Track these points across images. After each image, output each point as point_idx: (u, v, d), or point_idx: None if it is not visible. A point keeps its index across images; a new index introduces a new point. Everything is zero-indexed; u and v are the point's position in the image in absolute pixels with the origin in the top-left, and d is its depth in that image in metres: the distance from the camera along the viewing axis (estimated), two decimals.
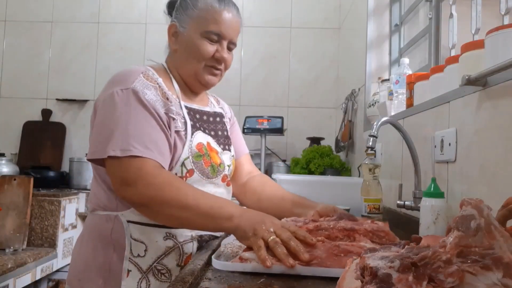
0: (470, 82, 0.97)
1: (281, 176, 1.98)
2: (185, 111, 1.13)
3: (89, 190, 2.16)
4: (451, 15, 1.47)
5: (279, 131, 2.95)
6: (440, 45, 1.77)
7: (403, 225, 1.43)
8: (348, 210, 1.50)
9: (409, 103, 1.52)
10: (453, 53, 1.44)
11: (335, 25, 3.41)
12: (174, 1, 1.21)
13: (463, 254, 0.47)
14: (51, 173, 3.03)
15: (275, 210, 1.22)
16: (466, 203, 0.52)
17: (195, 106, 1.20)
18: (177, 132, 1.08)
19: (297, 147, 3.30)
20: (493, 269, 0.45)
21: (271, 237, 0.86)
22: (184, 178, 1.08)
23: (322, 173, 2.66)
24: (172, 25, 1.17)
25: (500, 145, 0.93)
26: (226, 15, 1.14)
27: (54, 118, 3.42)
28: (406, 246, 0.55)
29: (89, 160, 1.05)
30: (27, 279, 2.33)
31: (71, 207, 2.69)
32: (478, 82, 0.97)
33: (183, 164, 1.08)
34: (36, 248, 2.48)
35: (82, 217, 2.77)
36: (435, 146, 1.24)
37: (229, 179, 1.23)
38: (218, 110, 1.30)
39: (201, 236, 1.10)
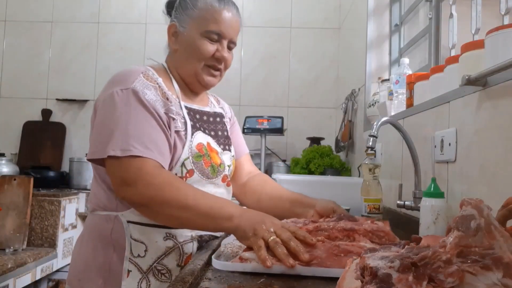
0: (470, 82, 0.97)
1: (281, 176, 1.98)
2: (185, 111, 1.13)
3: (89, 190, 2.16)
4: (451, 15, 1.47)
5: (279, 131, 2.95)
6: (440, 45, 1.77)
7: (403, 225, 1.43)
8: (348, 210, 1.50)
9: (409, 103, 1.52)
10: (453, 53, 1.44)
11: (335, 25, 3.41)
12: (173, 1, 1.21)
13: (463, 254, 0.47)
14: (51, 173, 3.03)
15: (275, 210, 1.22)
16: (466, 203, 0.52)
17: (195, 106, 1.20)
18: (177, 132, 1.08)
19: (297, 147, 3.30)
20: (493, 269, 0.45)
21: (271, 237, 0.86)
22: (184, 179, 1.08)
23: (322, 173, 2.66)
24: (172, 25, 1.17)
25: (500, 145, 0.93)
26: (226, 14, 1.14)
27: (54, 118, 3.42)
28: (406, 246, 0.55)
29: (89, 160, 1.05)
30: (27, 279, 2.33)
31: (71, 207, 2.69)
32: (478, 82, 0.97)
33: (183, 164, 1.08)
34: (36, 248, 2.48)
35: (82, 217, 2.77)
36: (435, 146, 1.24)
37: (229, 179, 1.23)
38: (218, 110, 1.30)
39: (201, 236, 1.10)
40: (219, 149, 1.19)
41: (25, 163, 3.16)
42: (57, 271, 2.61)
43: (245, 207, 1.17)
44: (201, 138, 1.13)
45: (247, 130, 2.92)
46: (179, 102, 1.14)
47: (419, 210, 1.11)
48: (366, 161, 1.46)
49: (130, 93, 1.03)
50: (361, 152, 2.31)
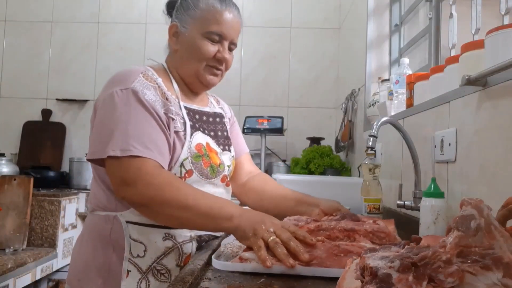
0: (470, 82, 0.97)
1: (281, 176, 1.98)
2: (184, 111, 1.13)
3: (89, 190, 2.16)
4: (451, 15, 1.47)
5: (279, 131, 2.95)
6: (440, 45, 1.77)
7: (403, 225, 1.43)
8: (348, 210, 1.50)
9: (409, 103, 1.52)
10: (453, 53, 1.44)
11: (335, 25, 3.41)
12: (174, 1, 1.21)
13: (463, 254, 0.47)
14: (51, 173, 3.03)
15: (278, 209, 1.22)
16: (466, 203, 0.52)
17: (194, 106, 1.20)
18: (176, 132, 1.08)
19: (297, 147, 3.30)
20: (493, 269, 0.45)
21: (271, 237, 0.86)
22: (183, 179, 1.08)
23: (322, 173, 2.66)
24: (173, 25, 1.17)
25: (500, 145, 0.93)
26: (227, 15, 1.14)
27: (54, 118, 3.42)
28: (406, 246, 0.55)
29: (88, 160, 1.05)
30: (27, 279, 2.33)
31: (71, 207, 2.69)
32: (478, 82, 0.97)
33: (182, 164, 1.08)
34: (36, 248, 2.48)
35: (82, 217, 2.77)
36: (435, 146, 1.24)
37: (228, 179, 1.23)
38: (218, 110, 1.30)
39: (200, 236, 1.10)
40: (218, 150, 1.18)
41: (25, 163, 3.16)
42: (57, 271, 2.61)
43: (245, 207, 1.17)
44: (200, 138, 1.13)
45: (247, 130, 2.92)
46: (179, 102, 1.14)
47: (419, 210, 1.11)
48: (366, 161, 1.46)
49: (129, 93, 1.03)
50: (361, 152, 2.31)
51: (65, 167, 3.25)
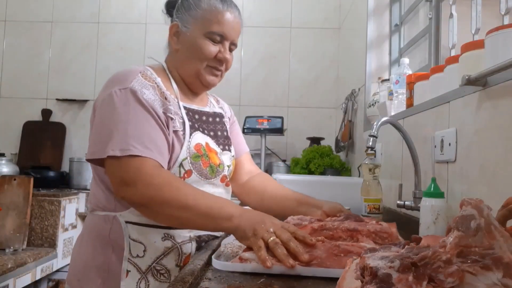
0: (470, 82, 0.97)
1: (281, 176, 1.98)
2: (183, 111, 1.13)
3: (89, 190, 2.16)
4: (451, 15, 1.47)
5: (279, 131, 2.95)
6: (440, 45, 1.77)
7: (403, 225, 1.43)
8: (348, 210, 1.50)
9: (409, 103, 1.52)
10: (453, 53, 1.44)
11: (335, 25, 3.41)
12: (174, 0, 1.21)
13: (463, 254, 0.47)
14: (51, 173, 3.03)
15: (280, 210, 1.22)
16: (466, 203, 0.52)
17: (194, 106, 1.20)
18: (175, 132, 1.08)
19: (297, 147, 3.30)
20: (493, 269, 0.45)
21: (271, 238, 0.85)
22: (182, 179, 1.08)
23: (322, 173, 2.66)
24: (174, 25, 1.17)
25: (500, 145, 0.93)
26: (228, 16, 1.15)
27: (54, 118, 3.42)
28: (406, 246, 0.55)
29: (88, 160, 1.05)
30: (27, 279, 2.33)
31: (71, 207, 2.69)
32: (478, 82, 0.97)
33: (181, 164, 1.08)
34: (36, 248, 2.48)
35: (82, 217, 2.77)
36: (435, 146, 1.24)
37: (228, 179, 1.22)
38: (217, 110, 1.30)
39: (199, 237, 1.10)
40: (218, 149, 1.18)
41: (25, 163, 3.16)
42: (57, 271, 2.61)
43: (245, 207, 1.17)
44: (199, 138, 1.13)
45: (247, 130, 2.92)
46: (178, 102, 1.14)
47: (419, 210, 1.11)
48: (366, 161, 1.47)
49: (128, 93, 1.03)
50: (361, 152, 2.31)
51: (65, 167, 3.25)
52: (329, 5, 3.41)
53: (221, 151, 1.20)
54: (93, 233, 1.10)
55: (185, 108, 1.15)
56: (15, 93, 3.45)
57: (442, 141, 1.20)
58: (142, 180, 0.95)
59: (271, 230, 0.88)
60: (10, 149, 3.29)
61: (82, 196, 2.82)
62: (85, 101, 3.43)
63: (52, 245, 2.52)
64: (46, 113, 3.40)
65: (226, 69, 1.20)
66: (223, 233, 1.14)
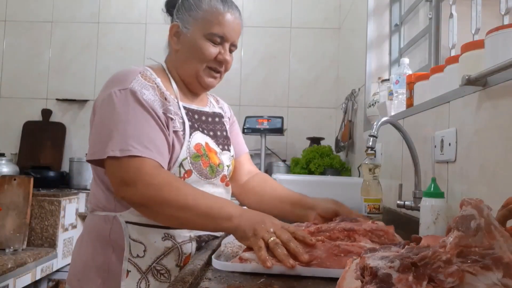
0: (470, 82, 0.97)
1: (281, 176, 1.98)
2: (183, 111, 1.13)
3: (89, 190, 2.16)
4: (451, 15, 1.47)
5: (279, 131, 2.95)
6: (440, 45, 1.77)
7: (403, 225, 1.43)
8: None
9: (409, 103, 1.52)
10: (453, 53, 1.44)
11: (335, 25, 3.41)
12: (175, 0, 1.20)
13: (463, 254, 0.47)
14: (51, 173, 3.03)
15: (276, 212, 1.22)
16: (466, 203, 0.52)
17: (193, 106, 1.20)
18: (175, 132, 1.08)
19: (297, 147, 3.30)
20: (493, 269, 0.45)
21: (272, 238, 0.86)
22: (182, 179, 1.08)
23: (322, 173, 2.66)
24: (174, 25, 1.17)
25: (500, 145, 0.93)
26: (229, 17, 1.14)
27: (54, 118, 3.42)
28: (406, 246, 0.55)
29: (88, 161, 1.05)
30: (27, 279, 2.33)
31: (71, 207, 2.69)
32: (478, 82, 0.97)
33: (181, 164, 1.08)
34: (36, 248, 2.48)
35: (82, 217, 2.77)
36: (435, 146, 1.24)
37: (228, 179, 1.23)
38: (217, 110, 1.30)
39: (199, 237, 1.10)
40: (218, 149, 1.18)
41: (25, 163, 3.16)
42: (57, 271, 2.61)
43: (245, 207, 1.17)
44: (199, 138, 1.13)
45: (247, 130, 2.92)
46: (178, 102, 1.14)
47: (419, 210, 1.11)
48: (366, 161, 1.47)
49: (128, 93, 1.03)
50: (361, 152, 2.31)
51: (65, 167, 3.25)
52: (329, 5, 3.41)
53: (221, 151, 1.20)
54: (93, 233, 1.10)
55: (184, 108, 1.15)
56: (15, 93, 3.45)
57: (442, 141, 1.20)
58: (142, 180, 0.95)
59: (271, 230, 0.88)
60: (10, 149, 3.29)
61: (82, 196, 2.82)
62: (85, 101, 3.43)
63: (52, 245, 2.52)
64: (46, 113, 3.40)
65: (226, 70, 1.20)
66: (223, 233, 1.14)
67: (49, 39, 3.48)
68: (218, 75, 1.19)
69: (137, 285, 1.04)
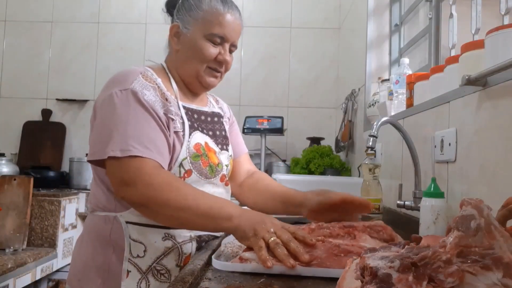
0: (470, 82, 0.97)
1: (281, 176, 1.98)
2: (183, 111, 1.13)
3: (89, 190, 2.16)
4: (451, 15, 1.47)
5: (279, 131, 2.95)
6: (440, 45, 1.77)
7: (403, 225, 1.43)
8: None
9: (409, 103, 1.52)
10: (453, 53, 1.44)
11: (335, 25, 3.41)
12: (175, 0, 1.20)
13: (463, 254, 0.47)
14: (51, 173, 3.03)
15: (271, 211, 1.21)
16: (466, 203, 0.52)
17: (193, 106, 1.20)
18: (175, 132, 1.08)
19: (297, 147, 3.30)
20: (493, 269, 0.45)
21: (272, 238, 0.86)
22: (182, 179, 1.08)
23: (322, 173, 2.66)
24: (174, 25, 1.17)
25: (500, 145, 0.93)
26: (229, 17, 1.14)
27: (54, 118, 3.42)
28: (406, 246, 0.55)
29: (89, 161, 1.05)
30: (27, 279, 2.33)
31: (71, 207, 2.69)
32: (478, 82, 0.97)
33: (181, 164, 1.08)
34: (36, 248, 2.48)
35: (82, 217, 2.77)
36: (435, 146, 1.24)
37: (227, 179, 1.23)
38: (216, 110, 1.30)
39: (199, 237, 1.10)
40: (217, 149, 1.18)
41: (25, 163, 3.16)
42: (57, 271, 2.61)
43: (244, 207, 1.17)
44: (199, 138, 1.13)
45: (247, 130, 2.92)
46: (177, 102, 1.14)
47: (419, 210, 1.11)
48: (366, 161, 1.47)
49: (129, 94, 1.03)
50: (361, 152, 2.31)
51: (65, 167, 3.25)
52: (329, 5, 3.41)
53: (220, 150, 1.20)
54: (93, 233, 1.10)
55: (184, 107, 1.15)
56: (15, 93, 3.45)
57: (442, 141, 1.20)
58: (142, 180, 0.95)
59: (272, 230, 0.88)
60: (10, 149, 3.29)
61: (82, 196, 2.82)
62: (85, 101, 3.43)
63: (52, 245, 2.52)
64: (46, 113, 3.40)
65: (226, 70, 1.20)
66: (223, 233, 1.14)
67: (49, 39, 3.48)
68: (218, 74, 1.19)
69: (137, 285, 1.04)
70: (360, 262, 0.53)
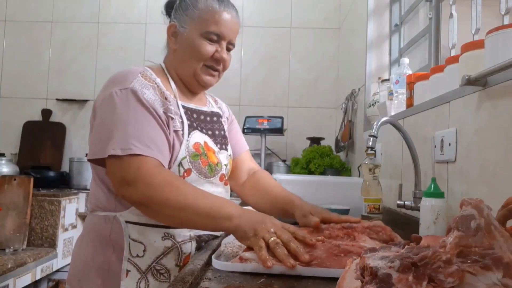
0: (470, 82, 0.97)
1: (281, 176, 1.98)
2: (182, 110, 1.13)
3: (89, 190, 2.16)
4: (451, 15, 1.47)
5: (279, 131, 2.95)
6: (440, 45, 1.77)
7: (403, 225, 1.43)
8: (348, 210, 1.50)
9: (409, 103, 1.52)
10: (453, 53, 1.44)
11: (335, 25, 3.41)
12: (173, 1, 1.21)
13: (463, 254, 0.47)
14: (51, 173, 3.03)
15: (270, 213, 1.21)
16: (466, 203, 0.52)
17: (192, 105, 1.20)
18: (175, 131, 1.09)
19: (297, 147, 3.30)
20: (493, 269, 0.45)
21: (272, 238, 0.86)
22: (182, 178, 1.08)
23: (322, 173, 2.66)
24: (171, 25, 1.18)
25: (500, 145, 0.93)
26: (225, 16, 1.15)
27: (54, 118, 3.42)
28: (406, 246, 0.55)
29: (89, 160, 1.05)
30: (27, 279, 2.33)
31: (71, 207, 2.69)
32: (478, 82, 0.97)
33: (180, 163, 1.08)
34: (36, 248, 2.48)
35: (82, 217, 2.77)
36: (435, 146, 1.24)
37: (226, 178, 1.23)
38: (215, 110, 1.30)
39: (199, 236, 1.10)
40: (216, 148, 1.19)
41: (25, 163, 3.16)
42: (57, 271, 2.61)
43: (245, 207, 1.17)
44: (198, 137, 1.13)
45: (247, 130, 2.92)
46: (177, 102, 1.14)
47: (419, 210, 1.11)
48: (366, 161, 1.47)
49: (129, 93, 1.03)
50: (361, 152, 2.31)
51: (65, 167, 3.25)
52: (329, 5, 3.41)
53: (219, 150, 1.20)
54: (93, 233, 1.10)
55: (183, 107, 1.15)
56: (15, 93, 3.45)
57: (442, 141, 1.20)
58: (142, 179, 0.95)
59: (272, 230, 0.88)
60: (10, 149, 3.29)
61: (82, 196, 2.82)
62: (85, 101, 3.43)
63: (52, 245, 2.52)
64: (46, 113, 3.40)
65: (224, 68, 1.20)
66: (223, 233, 1.14)
67: (49, 39, 3.48)
68: (216, 73, 1.19)
69: (136, 285, 1.04)
70: (360, 262, 0.53)
